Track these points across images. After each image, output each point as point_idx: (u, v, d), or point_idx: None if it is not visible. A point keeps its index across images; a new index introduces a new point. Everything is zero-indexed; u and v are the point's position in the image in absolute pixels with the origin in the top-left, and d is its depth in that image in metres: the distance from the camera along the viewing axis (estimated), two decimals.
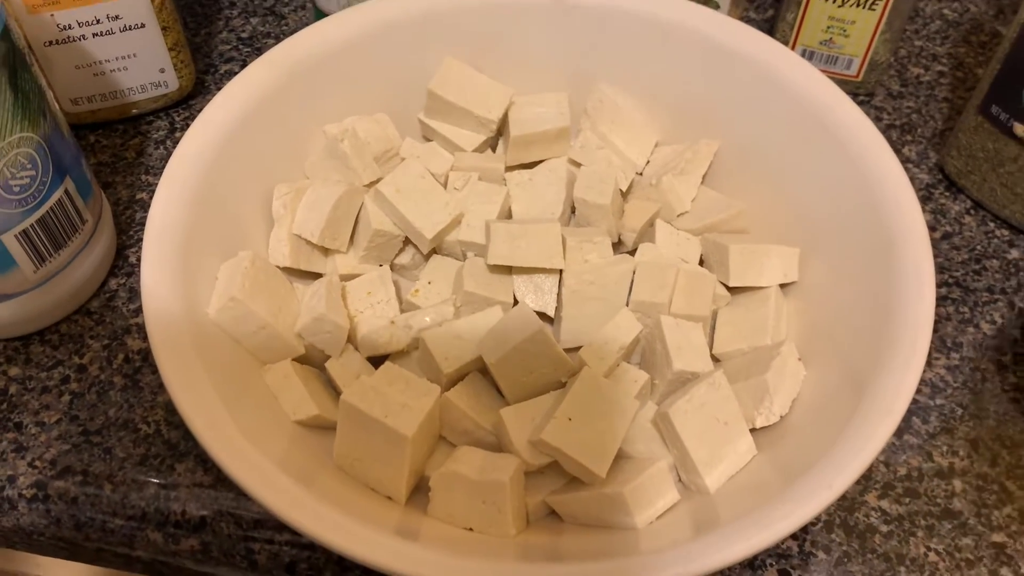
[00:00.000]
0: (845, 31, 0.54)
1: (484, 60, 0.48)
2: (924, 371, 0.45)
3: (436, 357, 0.39)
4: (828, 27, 0.54)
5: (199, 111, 0.55)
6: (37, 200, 0.40)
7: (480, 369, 0.40)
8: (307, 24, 0.61)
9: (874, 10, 0.52)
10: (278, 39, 0.60)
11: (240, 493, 0.40)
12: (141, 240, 0.49)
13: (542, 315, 0.42)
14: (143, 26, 0.50)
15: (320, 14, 0.56)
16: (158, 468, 0.41)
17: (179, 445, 0.42)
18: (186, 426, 0.34)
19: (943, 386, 0.45)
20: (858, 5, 0.52)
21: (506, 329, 0.38)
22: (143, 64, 0.52)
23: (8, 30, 0.37)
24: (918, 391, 0.45)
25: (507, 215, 0.46)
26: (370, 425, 0.35)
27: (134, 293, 0.47)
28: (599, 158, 0.47)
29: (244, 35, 0.61)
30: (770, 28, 0.60)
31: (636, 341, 0.42)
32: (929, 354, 0.46)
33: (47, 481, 0.40)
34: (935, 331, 0.47)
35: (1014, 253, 0.50)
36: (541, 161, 0.48)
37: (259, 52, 0.60)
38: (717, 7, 0.54)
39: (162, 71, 0.53)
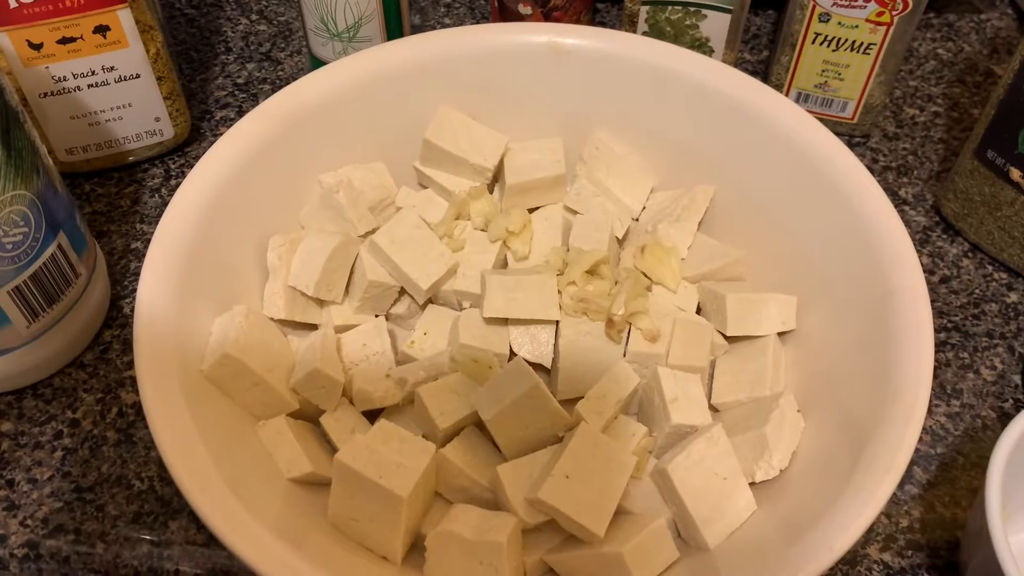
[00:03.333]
0: (840, 74, 0.54)
1: (479, 108, 0.48)
2: (924, 420, 0.45)
3: (431, 412, 0.39)
4: (823, 70, 0.54)
5: (194, 158, 0.56)
6: (30, 256, 0.40)
7: (476, 423, 0.40)
8: (302, 69, 0.61)
9: (868, 54, 0.52)
10: (274, 84, 0.61)
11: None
12: (136, 290, 0.49)
13: (538, 367, 0.42)
14: (138, 76, 0.50)
15: (315, 60, 0.56)
16: (151, 526, 0.40)
17: (172, 502, 0.41)
18: None
19: (944, 434, 0.45)
20: (852, 49, 0.52)
21: (502, 384, 0.38)
22: (138, 113, 0.52)
23: (1, 89, 0.37)
24: (920, 440, 0.44)
25: (502, 264, 0.46)
26: (365, 485, 0.35)
27: (128, 345, 0.47)
28: (595, 206, 0.47)
29: (240, 80, 0.61)
30: (765, 70, 0.60)
31: (634, 393, 0.41)
32: (929, 401, 0.46)
33: (39, 540, 0.40)
34: (935, 377, 0.47)
35: (1013, 297, 0.50)
36: (537, 208, 0.48)
37: (255, 97, 0.60)
38: (711, 52, 0.54)
39: (157, 120, 0.53)
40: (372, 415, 0.41)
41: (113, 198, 0.53)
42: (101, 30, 0.47)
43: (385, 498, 0.35)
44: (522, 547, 0.37)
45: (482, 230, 0.46)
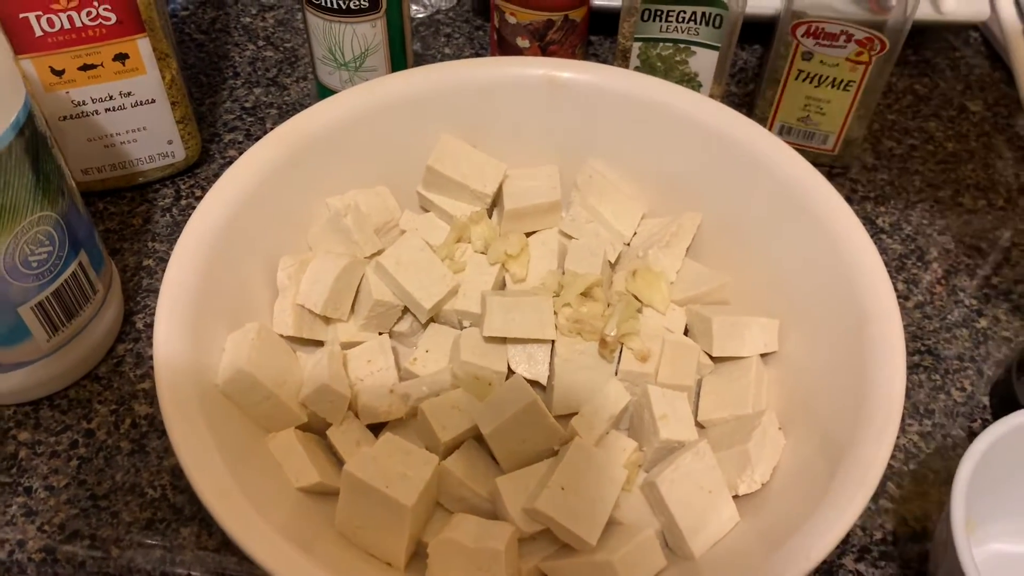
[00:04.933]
0: (821, 109, 0.57)
1: (479, 136, 0.51)
2: (898, 437, 0.48)
3: (434, 426, 0.41)
4: (805, 105, 0.57)
5: (204, 179, 0.58)
6: (53, 274, 0.42)
7: (476, 437, 0.42)
8: (308, 94, 0.64)
9: (848, 91, 0.55)
10: (280, 109, 0.63)
11: (243, 557, 0.41)
12: (148, 306, 0.51)
13: (534, 384, 0.44)
14: (153, 101, 0.52)
15: (322, 88, 0.59)
16: (164, 532, 0.42)
17: (184, 509, 0.43)
18: (192, 491, 0.35)
19: (916, 452, 0.47)
20: (833, 86, 0.55)
21: (501, 400, 0.40)
22: (152, 136, 0.54)
23: (32, 117, 0.39)
24: (893, 457, 0.47)
25: (501, 286, 0.48)
26: (371, 494, 0.37)
27: (141, 359, 0.49)
28: (588, 231, 0.50)
29: (248, 105, 0.63)
30: (751, 103, 0.63)
31: (625, 410, 0.44)
32: (903, 420, 0.48)
33: (56, 545, 0.42)
34: (909, 397, 0.49)
35: (982, 322, 0.53)
36: (534, 232, 0.51)
37: (262, 121, 0.62)
38: (699, 86, 0.57)
39: (170, 142, 0.55)
40: (376, 428, 0.43)
41: (126, 217, 0.56)
42: (120, 58, 0.49)
43: (391, 507, 0.37)
44: (519, 555, 0.39)
45: (482, 253, 0.49)
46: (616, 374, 0.44)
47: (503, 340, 0.44)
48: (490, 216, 0.52)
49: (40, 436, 0.45)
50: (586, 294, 0.46)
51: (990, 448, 0.39)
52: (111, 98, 0.51)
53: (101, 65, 0.49)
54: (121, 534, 0.42)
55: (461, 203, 0.50)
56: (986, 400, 0.50)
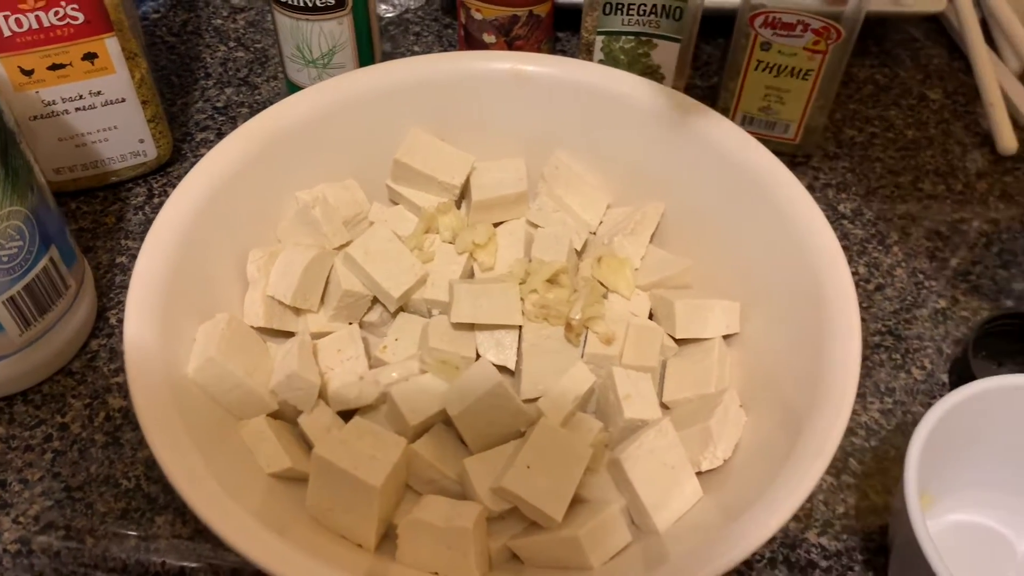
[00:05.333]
0: (781, 99, 0.58)
1: (447, 129, 0.52)
2: (860, 415, 0.49)
3: (403, 410, 0.42)
4: (766, 95, 0.58)
5: (176, 178, 0.58)
6: (24, 268, 0.42)
7: (445, 421, 0.43)
8: (279, 93, 0.64)
9: (807, 80, 0.56)
10: (251, 108, 0.64)
11: (218, 544, 0.42)
12: (121, 302, 0.52)
13: (503, 368, 0.45)
14: (124, 101, 0.53)
15: (292, 85, 0.59)
16: (138, 521, 0.43)
17: (159, 499, 0.44)
18: (166, 480, 0.36)
19: (878, 428, 0.48)
20: (792, 75, 0.56)
21: (468, 383, 0.41)
22: (123, 135, 0.54)
23: (0, 112, 0.40)
24: (855, 433, 0.48)
25: (469, 274, 0.49)
26: (341, 477, 0.38)
27: (115, 353, 0.49)
28: (555, 220, 0.51)
29: (219, 104, 0.64)
30: (714, 95, 0.64)
31: (591, 391, 0.45)
32: (864, 399, 0.50)
33: (30, 537, 0.42)
34: (870, 377, 0.50)
35: (942, 303, 0.54)
36: (502, 222, 0.51)
37: (233, 120, 0.63)
38: (662, 78, 0.58)
39: (141, 141, 0.55)
40: (346, 416, 0.44)
41: (98, 215, 0.56)
42: (89, 57, 0.50)
43: (360, 488, 0.38)
44: (487, 533, 0.40)
45: (450, 243, 0.49)
46: (582, 357, 0.45)
47: (471, 327, 0.45)
48: (458, 208, 0.53)
49: (14, 431, 0.46)
50: (552, 281, 0.47)
51: (943, 419, 0.40)
52: (81, 97, 0.52)
53: (70, 65, 0.50)
54: (96, 524, 0.43)
55: (429, 195, 0.51)
56: (945, 378, 0.51)
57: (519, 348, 0.45)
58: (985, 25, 0.71)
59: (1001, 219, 0.59)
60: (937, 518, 0.44)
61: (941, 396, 0.49)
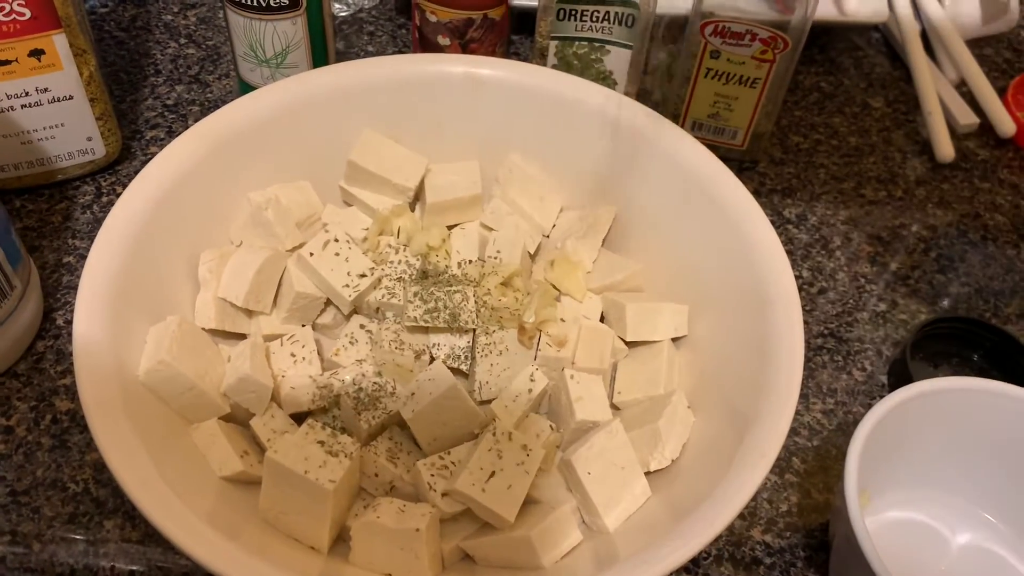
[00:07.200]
0: (730, 106, 0.59)
1: (401, 132, 0.52)
2: (803, 415, 0.50)
3: (356, 413, 0.42)
4: (715, 102, 0.59)
5: (125, 176, 0.58)
6: None
7: (398, 423, 0.43)
8: (230, 92, 0.64)
9: (754, 87, 0.58)
10: (202, 106, 0.63)
11: (168, 547, 0.42)
12: (68, 303, 0.51)
13: (457, 371, 0.45)
14: (71, 98, 0.52)
15: (244, 85, 0.59)
16: (87, 526, 0.42)
17: (107, 503, 0.43)
18: (115, 484, 0.35)
19: (820, 428, 0.50)
20: (740, 83, 0.58)
21: (422, 386, 0.42)
22: (71, 133, 0.54)
23: None
24: (798, 433, 0.49)
25: (423, 277, 0.49)
26: (293, 480, 0.38)
27: (61, 355, 0.48)
28: (509, 223, 0.51)
29: (169, 102, 0.63)
30: (664, 101, 0.65)
31: (543, 393, 0.45)
32: (807, 399, 0.51)
33: None
34: (813, 378, 0.52)
35: (882, 306, 0.56)
36: (456, 225, 0.52)
37: (184, 118, 0.62)
38: (615, 84, 0.59)
39: (89, 139, 0.55)
40: (299, 418, 0.44)
41: (44, 214, 0.55)
42: (36, 54, 0.49)
43: (313, 492, 0.38)
44: (440, 535, 0.40)
45: (404, 245, 0.50)
46: (535, 359, 0.46)
47: (425, 329, 0.46)
48: (412, 210, 0.53)
49: None
50: (506, 284, 0.47)
51: (882, 420, 0.42)
52: (27, 94, 0.51)
53: (16, 61, 0.49)
54: (43, 529, 0.42)
55: (383, 197, 0.52)
56: (884, 379, 0.53)
57: (472, 351, 0.46)
58: (925, 36, 0.73)
59: (939, 225, 0.61)
60: (875, 515, 0.46)
61: (880, 397, 0.51)
